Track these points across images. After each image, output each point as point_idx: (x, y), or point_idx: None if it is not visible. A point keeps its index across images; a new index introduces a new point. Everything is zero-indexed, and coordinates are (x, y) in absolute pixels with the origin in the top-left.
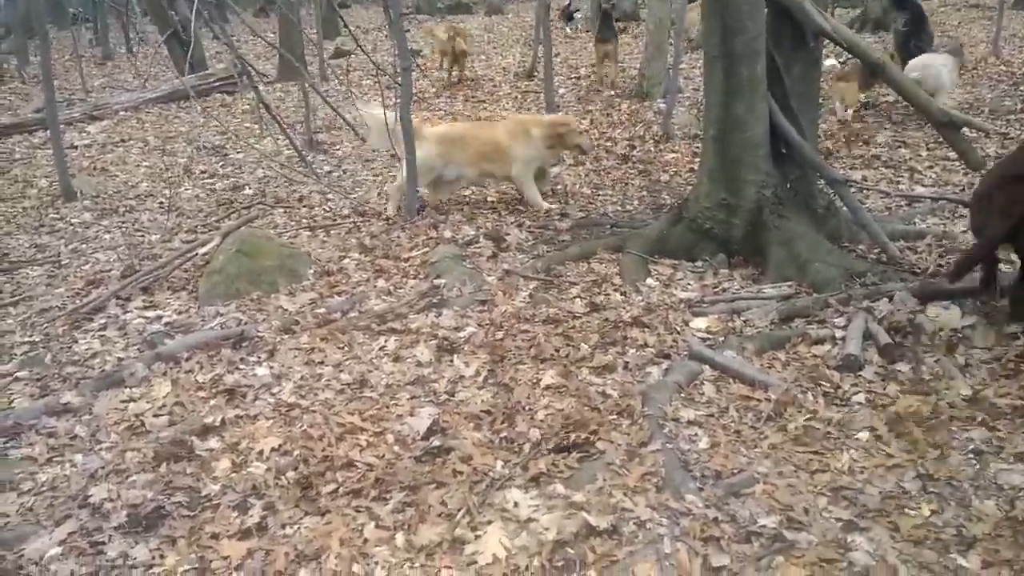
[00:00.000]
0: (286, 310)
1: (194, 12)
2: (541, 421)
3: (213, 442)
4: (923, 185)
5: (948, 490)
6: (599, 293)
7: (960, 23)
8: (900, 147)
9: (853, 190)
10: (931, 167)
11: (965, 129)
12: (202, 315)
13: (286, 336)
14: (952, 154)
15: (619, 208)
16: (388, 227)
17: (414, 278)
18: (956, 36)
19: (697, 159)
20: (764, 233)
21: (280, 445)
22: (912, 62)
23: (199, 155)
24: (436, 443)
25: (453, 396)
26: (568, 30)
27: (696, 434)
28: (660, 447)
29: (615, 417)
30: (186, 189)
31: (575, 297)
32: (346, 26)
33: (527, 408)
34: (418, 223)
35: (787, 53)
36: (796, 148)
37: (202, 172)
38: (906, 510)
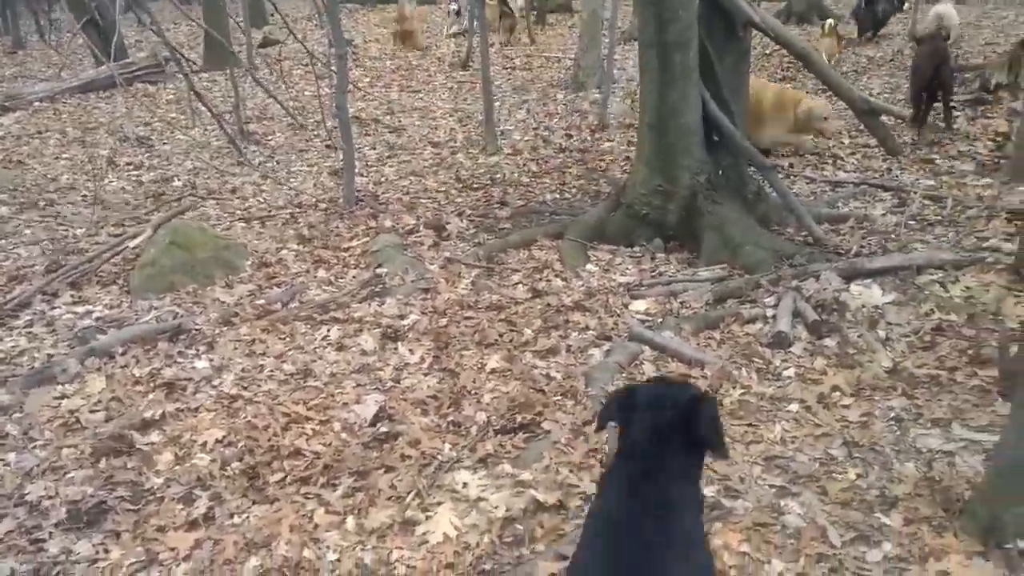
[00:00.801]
0: (224, 302)
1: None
2: (487, 404)
3: (154, 436)
4: (845, 171)
5: (872, 455)
6: (540, 279)
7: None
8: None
9: (780, 176)
10: (852, 154)
11: (884, 116)
12: (135, 309)
13: (225, 328)
14: (872, 141)
15: (558, 196)
16: (326, 217)
17: (355, 268)
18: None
19: (632, 148)
20: (698, 218)
21: (224, 436)
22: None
23: (123, 146)
24: (383, 429)
25: (399, 383)
26: (455, 28)
27: None
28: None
29: (559, 398)
30: (111, 181)
31: (517, 283)
32: (277, 11)
33: (473, 392)
34: (357, 213)
35: (719, 43)
36: (728, 136)
37: (127, 164)
38: (833, 475)
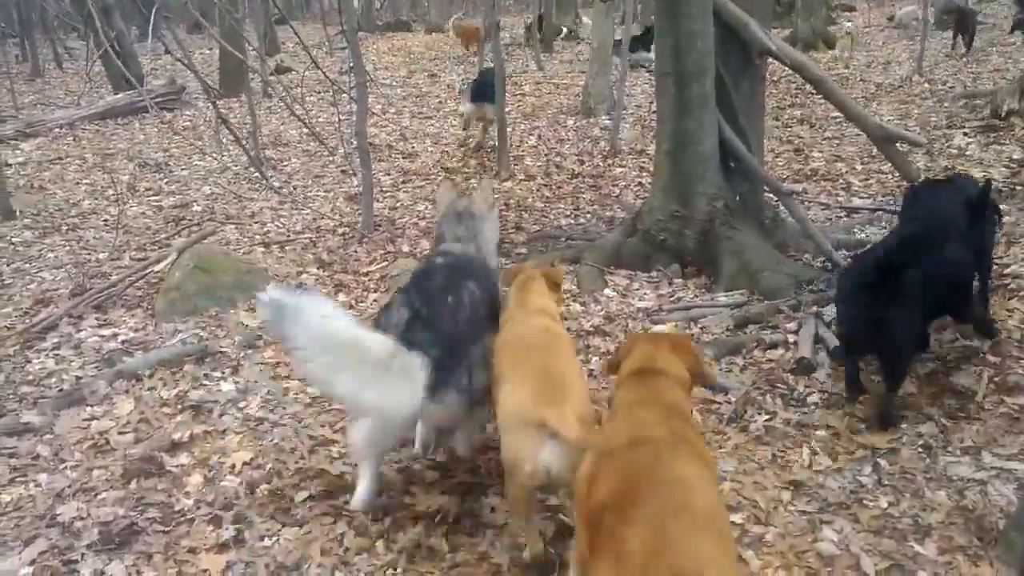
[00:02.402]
0: (247, 326)
1: (153, 27)
2: None
3: (183, 458)
4: (860, 197)
5: (902, 483)
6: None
7: (884, 43)
8: (836, 161)
9: (798, 202)
10: (866, 179)
11: (899, 143)
12: (160, 332)
13: (249, 351)
14: (885, 167)
15: (572, 221)
16: (344, 242)
17: (375, 292)
18: (880, 55)
19: (645, 173)
20: (716, 244)
21: (251, 459)
22: None
23: (142, 172)
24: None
25: None
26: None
27: None
28: None
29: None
30: (132, 206)
31: None
32: (300, 40)
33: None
34: (375, 238)
35: (734, 71)
36: (744, 162)
37: (147, 189)
38: (864, 502)
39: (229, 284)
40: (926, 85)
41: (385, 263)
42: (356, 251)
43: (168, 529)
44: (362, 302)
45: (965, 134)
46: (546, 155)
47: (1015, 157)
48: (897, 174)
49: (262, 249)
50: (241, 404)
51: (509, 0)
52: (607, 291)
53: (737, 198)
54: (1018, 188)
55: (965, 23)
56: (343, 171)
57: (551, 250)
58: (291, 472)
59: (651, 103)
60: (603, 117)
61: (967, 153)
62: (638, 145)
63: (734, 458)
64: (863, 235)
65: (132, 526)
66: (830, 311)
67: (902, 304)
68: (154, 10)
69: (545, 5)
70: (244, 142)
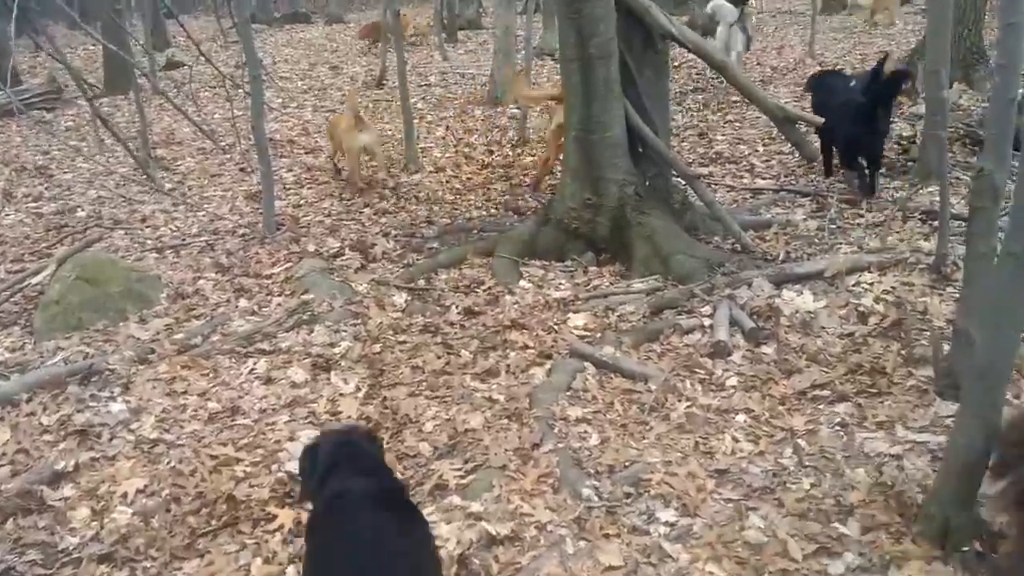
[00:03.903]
0: (139, 339)
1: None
2: (429, 433)
3: (67, 490)
4: (763, 178)
5: (823, 462)
6: (474, 298)
7: (776, 28)
8: (739, 143)
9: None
10: (768, 161)
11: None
12: (40, 351)
13: (141, 367)
14: (785, 148)
15: (484, 213)
16: (245, 244)
17: (279, 295)
18: (774, 40)
19: (555, 161)
20: (628, 230)
21: (146, 486)
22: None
23: (19, 177)
24: None
25: (335, 416)
26: None
27: (586, 431)
28: (552, 447)
29: (504, 422)
30: (7, 215)
31: (450, 304)
32: (188, 34)
33: (414, 420)
34: (278, 238)
35: (638, 56)
36: (652, 146)
37: (25, 195)
38: (788, 485)
39: (118, 294)
40: (817, 67)
41: (290, 264)
42: (258, 253)
43: (51, 572)
44: (265, 306)
45: None
46: (455, 146)
47: (905, 135)
48: (797, 155)
49: (155, 255)
50: (133, 425)
51: None
52: (522, 283)
53: (647, 183)
54: (910, 164)
55: None
56: (241, 169)
57: (463, 243)
58: (191, 498)
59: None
60: (511, 106)
61: None
62: (546, 133)
63: (658, 448)
64: (769, 215)
65: (9, 572)
66: (743, 293)
67: (882, 127)
68: (15, 3)
69: None
70: (132, 142)
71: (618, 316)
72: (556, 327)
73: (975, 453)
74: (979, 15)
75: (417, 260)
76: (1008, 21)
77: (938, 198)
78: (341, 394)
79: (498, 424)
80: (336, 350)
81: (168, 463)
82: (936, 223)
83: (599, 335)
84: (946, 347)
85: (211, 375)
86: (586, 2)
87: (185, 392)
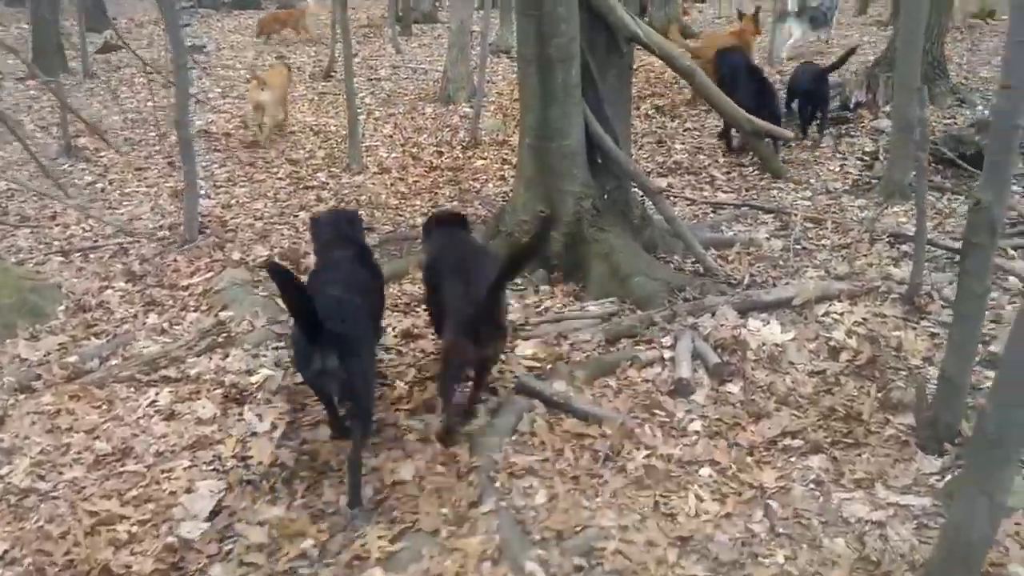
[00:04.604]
0: (25, 360)
1: None
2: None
3: None
4: (724, 191)
5: (798, 529)
6: (413, 319)
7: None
8: (698, 153)
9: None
10: (728, 173)
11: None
12: None
13: (23, 397)
14: (746, 161)
15: None
16: (163, 249)
17: (195, 311)
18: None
19: (507, 166)
20: (584, 247)
21: (6, 551)
22: None
23: None
24: (222, 525)
25: (244, 460)
26: None
27: (532, 486)
28: (493, 507)
29: (440, 472)
30: None
31: (387, 325)
32: (106, 14)
33: (337, 469)
34: (200, 243)
35: (601, 59)
36: (612, 157)
37: None
38: (760, 559)
39: (7, 306)
40: (777, 76)
41: (211, 273)
42: (176, 260)
43: None
44: (177, 324)
45: (819, 125)
46: (402, 145)
47: (867, 150)
48: (756, 169)
49: (60, 258)
50: (3, 471)
51: None
52: None
53: (605, 196)
54: (874, 181)
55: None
56: (169, 163)
57: (405, 254)
58: (57, 568)
59: (513, 91)
60: (463, 105)
61: (822, 145)
62: (500, 135)
63: (613, 509)
64: (731, 233)
65: None
66: (706, 322)
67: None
68: None
69: None
70: (54, 130)
71: (571, 344)
72: (503, 355)
73: (978, 534)
74: (941, 29)
75: None
76: (1018, 39)
77: (904, 219)
78: (254, 433)
79: (433, 475)
80: (253, 379)
81: (36, 521)
82: (905, 247)
83: (550, 367)
84: (930, 395)
85: (103, 408)
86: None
87: (70, 429)
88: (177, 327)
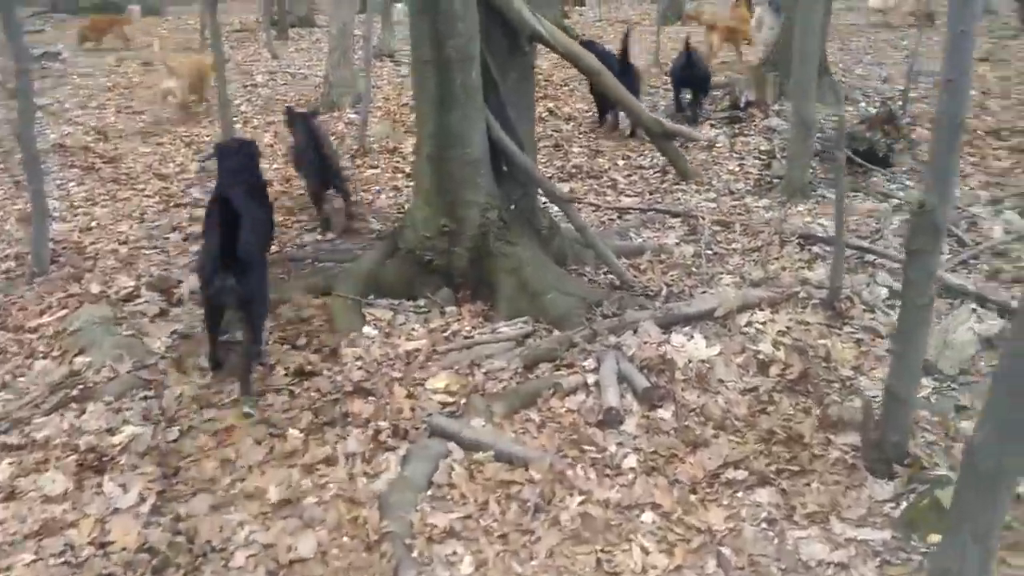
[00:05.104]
0: None
1: None
2: (240, 568)
3: None
4: (627, 195)
5: None
6: (306, 353)
7: (614, 37)
8: (597, 156)
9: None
10: (629, 176)
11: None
12: None
13: None
14: (645, 163)
15: (319, 237)
16: (8, 283)
17: (44, 358)
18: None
19: (400, 175)
20: (491, 262)
21: None
22: None
23: None
24: None
25: (103, 547)
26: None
27: (455, 552)
28: None
29: (345, 544)
30: None
31: (275, 363)
32: None
33: (219, 548)
34: (52, 276)
35: (501, 60)
36: (518, 165)
37: None
38: None
39: None
40: (665, 77)
41: (64, 311)
42: (23, 296)
43: None
44: (22, 375)
45: (712, 125)
46: (284, 156)
47: (763, 148)
48: (657, 171)
49: None
50: None
51: None
52: (367, 329)
53: (512, 206)
54: (775, 181)
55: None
56: (16, 183)
57: (293, 277)
58: None
59: (399, 95)
60: (348, 111)
61: (717, 144)
62: (389, 142)
63: (551, 572)
64: (640, 240)
65: None
66: (629, 340)
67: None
68: None
69: None
70: None
71: (486, 373)
72: (412, 390)
73: None
74: (823, 25)
75: None
76: (959, 28)
77: (809, 218)
78: (116, 509)
79: (336, 549)
80: (115, 439)
81: None
82: (815, 248)
83: (464, 401)
84: (876, 413)
85: None
86: None
87: None
88: (21, 380)
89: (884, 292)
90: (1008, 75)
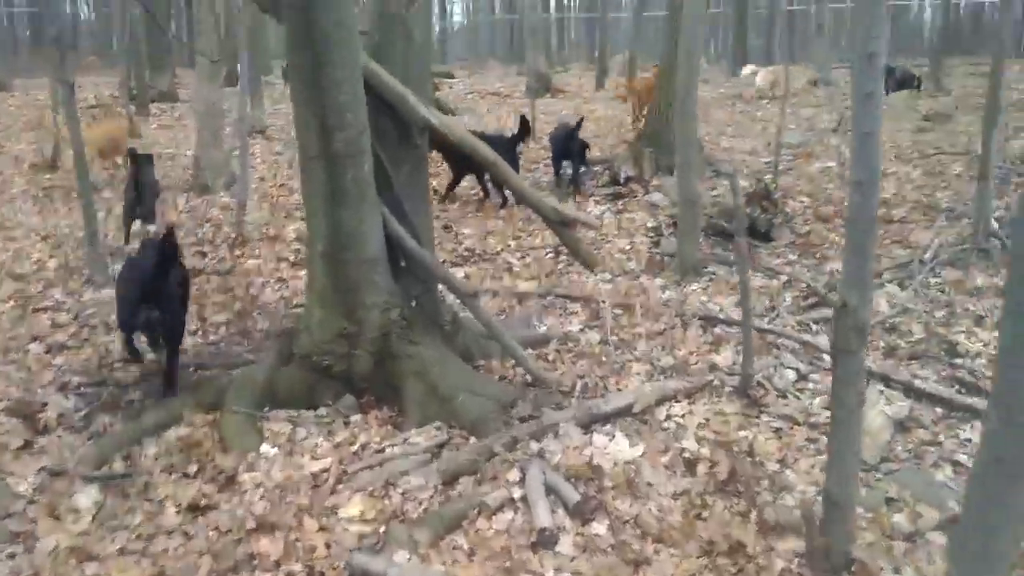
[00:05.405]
0: None
1: None
2: None
3: None
4: (523, 279)
5: None
6: (199, 483)
7: (488, 109)
8: (488, 237)
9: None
10: (523, 258)
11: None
12: None
13: None
14: (537, 242)
15: (200, 340)
16: None
17: None
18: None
19: (284, 265)
20: (394, 364)
21: None
22: None
23: None
24: None
25: None
26: None
27: None
28: None
29: None
30: None
31: (164, 498)
32: None
33: None
34: None
35: (392, 151)
36: (417, 259)
37: None
38: None
39: None
40: (543, 152)
41: None
42: None
43: None
44: None
45: (597, 202)
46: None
47: (650, 225)
48: (549, 252)
49: None
50: None
51: (91, 56)
52: (265, 447)
53: (413, 303)
54: (667, 259)
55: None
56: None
57: (180, 391)
58: None
59: (275, 175)
60: (222, 194)
61: (605, 222)
62: (270, 229)
63: None
64: (544, 328)
65: None
66: (551, 446)
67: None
68: None
69: (136, 63)
70: None
71: (403, 494)
72: (323, 523)
73: None
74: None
75: (111, 425)
76: (864, 131)
77: (705, 298)
78: None
79: None
80: None
81: None
82: (717, 330)
83: (383, 529)
84: (818, 514)
85: None
86: (330, 85)
87: None
88: None
89: (792, 375)
90: None
